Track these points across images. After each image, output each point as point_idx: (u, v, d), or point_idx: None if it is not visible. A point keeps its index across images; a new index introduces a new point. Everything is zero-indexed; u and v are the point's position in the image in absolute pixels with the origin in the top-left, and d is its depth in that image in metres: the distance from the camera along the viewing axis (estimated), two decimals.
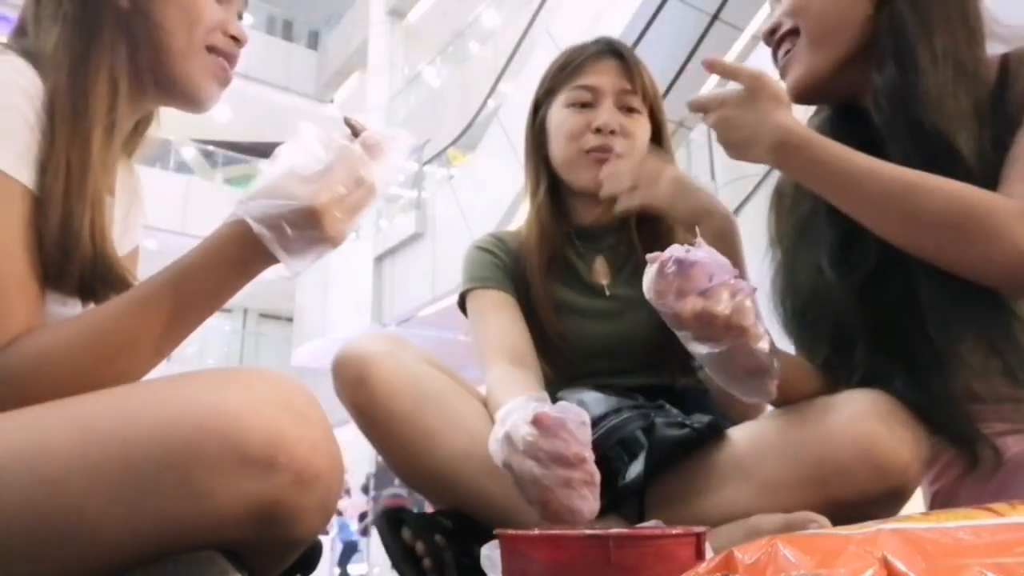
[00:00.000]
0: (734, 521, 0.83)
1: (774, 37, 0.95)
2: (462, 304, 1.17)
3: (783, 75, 0.95)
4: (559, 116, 1.17)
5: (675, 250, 0.72)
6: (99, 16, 0.79)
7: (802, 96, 0.95)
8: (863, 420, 0.80)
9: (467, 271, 1.18)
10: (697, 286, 0.71)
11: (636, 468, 0.86)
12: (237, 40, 0.89)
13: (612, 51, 1.18)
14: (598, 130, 1.12)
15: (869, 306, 0.91)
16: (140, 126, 0.94)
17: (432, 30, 11.34)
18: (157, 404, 0.64)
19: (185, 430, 0.62)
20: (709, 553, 0.58)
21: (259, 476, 0.62)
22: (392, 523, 0.93)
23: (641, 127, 1.15)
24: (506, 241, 1.21)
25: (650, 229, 1.16)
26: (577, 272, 1.18)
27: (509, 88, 7.74)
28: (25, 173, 0.71)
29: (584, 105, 1.15)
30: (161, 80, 0.85)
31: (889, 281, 0.91)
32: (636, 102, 1.15)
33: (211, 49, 0.86)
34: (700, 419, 0.90)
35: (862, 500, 0.78)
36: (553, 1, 6.69)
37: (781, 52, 0.95)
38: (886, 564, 0.41)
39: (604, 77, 1.15)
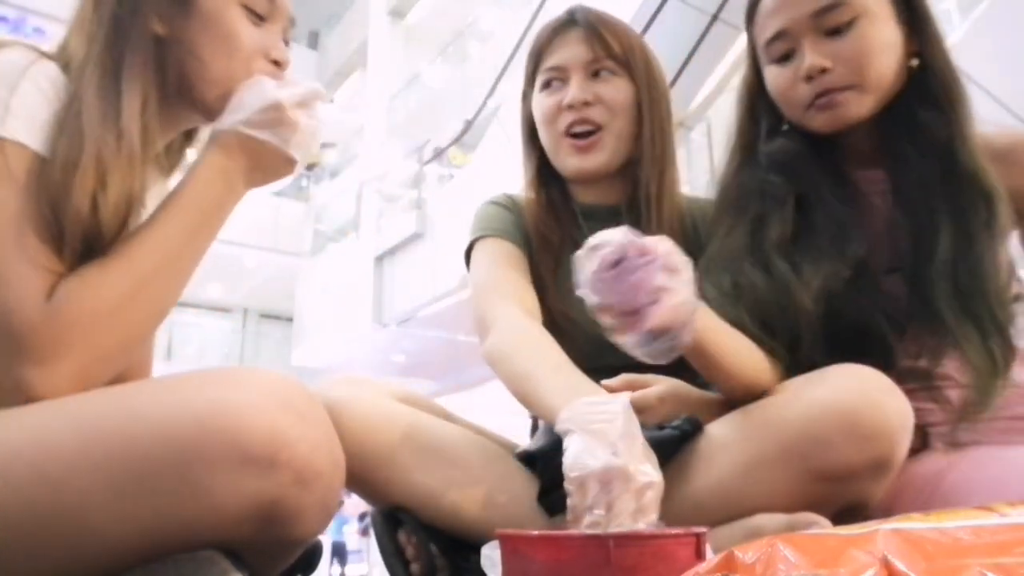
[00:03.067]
0: (724, 503, 0.82)
1: (823, 76, 0.96)
2: (468, 255, 1.12)
3: (823, 107, 0.97)
4: (536, 102, 1.15)
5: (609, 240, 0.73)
6: (131, 41, 0.79)
7: (838, 129, 0.99)
8: (844, 390, 0.79)
9: (478, 221, 1.14)
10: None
11: None
12: (279, 64, 0.87)
13: (575, 21, 1.13)
14: (570, 107, 1.09)
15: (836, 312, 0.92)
16: (183, 144, 0.95)
17: (432, 30, 11.33)
18: (159, 403, 0.65)
19: (187, 429, 0.62)
20: (709, 553, 0.58)
21: (260, 475, 0.62)
22: (389, 523, 0.93)
23: (618, 88, 1.11)
24: (521, 204, 1.18)
25: (641, 209, 1.12)
26: None
27: (509, 88, 7.74)
28: (45, 146, 0.73)
29: (555, 86, 1.12)
30: (199, 106, 0.85)
31: (862, 289, 0.93)
32: (608, 65, 1.11)
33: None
34: (686, 421, 0.88)
35: (847, 472, 0.78)
36: (553, 1, 6.69)
37: (820, 87, 0.97)
38: (886, 564, 0.41)
39: (568, 52, 1.12)
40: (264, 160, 0.82)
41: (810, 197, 0.99)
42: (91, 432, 0.63)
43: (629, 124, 1.11)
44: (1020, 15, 3.54)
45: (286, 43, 0.91)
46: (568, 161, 1.12)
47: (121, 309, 0.70)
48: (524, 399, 0.88)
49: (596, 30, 1.11)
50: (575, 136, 1.11)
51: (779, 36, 1.00)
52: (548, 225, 1.13)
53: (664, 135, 1.13)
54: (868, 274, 0.95)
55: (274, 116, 0.81)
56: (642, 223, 1.10)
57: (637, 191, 1.12)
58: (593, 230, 1.15)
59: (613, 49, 1.10)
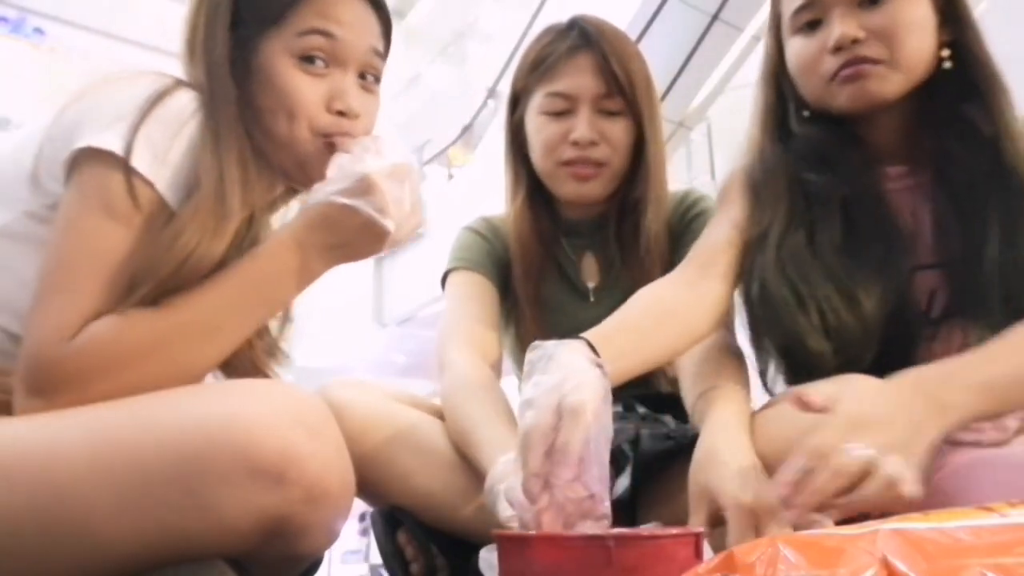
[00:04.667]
0: None
1: (853, 47, 0.91)
2: (444, 281, 1.16)
3: (849, 78, 0.93)
4: (535, 123, 1.13)
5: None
6: (220, 99, 0.77)
7: (864, 108, 0.95)
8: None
9: (454, 250, 1.17)
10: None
11: (624, 482, 0.85)
12: (345, 115, 0.82)
13: (587, 44, 1.10)
14: (575, 143, 1.08)
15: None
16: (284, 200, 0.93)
17: (432, 30, 11.32)
18: (170, 415, 0.64)
19: (197, 441, 0.62)
20: (708, 553, 0.58)
21: (269, 490, 0.62)
22: (389, 524, 0.93)
23: (624, 129, 1.10)
24: (498, 227, 1.19)
25: (627, 228, 1.14)
26: (565, 272, 1.16)
27: (509, 88, 7.73)
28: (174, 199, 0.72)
29: (560, 113, 1.10)
30: (278, 170, 0.83)
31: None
32: (616, 104, 1.09)
33: (323, 133, 0.81)
34: (686, 430, 0.88)
35: None
36: (553, 1, 6.69)
37: (849, 56, 0.92)
38: (886, 564, 0.41)
39: (579, 81, 1.09)
40: (351, 232, 0.76)
41: (853, 199, 0.96)
42: (100, 441, 0.62)
43: (627, 161, 1.12)
44: (1019, 15, 3.54)
45: (375, 79, 0.85)
46: (566, 187, 1.12)
47: (135, 363, 0.68)
48: (465, 454, 0.89)
49: (607, 60, 1.08)
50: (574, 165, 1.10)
51: (809, 4, 0.95)
52: (531, 248, 1.14)
53: (663, 167, 1.14)
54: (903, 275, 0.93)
55: (363, 186, 0.75)
56: (625, 235, 1.13)
57: (625, 209, 1.14)
58: (576, 245, 1.18)
59: (622, 84, 1.08)
